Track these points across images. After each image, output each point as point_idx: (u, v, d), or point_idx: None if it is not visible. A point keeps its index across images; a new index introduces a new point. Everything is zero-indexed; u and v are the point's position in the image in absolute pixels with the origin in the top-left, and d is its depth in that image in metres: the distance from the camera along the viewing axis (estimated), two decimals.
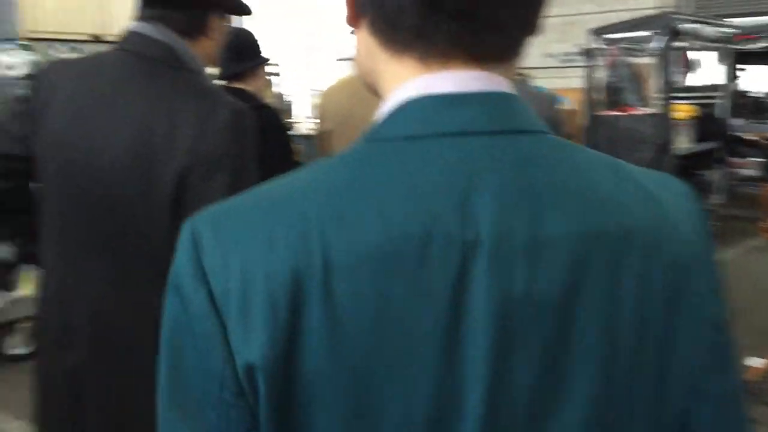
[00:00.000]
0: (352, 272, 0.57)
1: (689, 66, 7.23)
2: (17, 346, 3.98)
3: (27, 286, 4.13)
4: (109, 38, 14.35)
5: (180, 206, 1.34)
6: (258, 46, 2.98)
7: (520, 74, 4.62)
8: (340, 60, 11.16)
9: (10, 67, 12.42)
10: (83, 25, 13.97)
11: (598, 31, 6.19)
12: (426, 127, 0.61)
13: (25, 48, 12.36)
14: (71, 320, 1.44)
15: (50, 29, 13.34)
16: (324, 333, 0.57)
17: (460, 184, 0.59)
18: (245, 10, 1.65)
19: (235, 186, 1.36)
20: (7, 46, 12.44)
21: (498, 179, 0.59)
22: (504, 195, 0.59)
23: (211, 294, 0.59)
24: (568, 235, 0.59)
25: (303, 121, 8.22)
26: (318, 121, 3.12)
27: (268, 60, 3.05)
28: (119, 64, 1.43)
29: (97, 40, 14.17)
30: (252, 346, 0.57)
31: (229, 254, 0.59)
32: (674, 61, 6.90)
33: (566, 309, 0.59)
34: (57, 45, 13.13)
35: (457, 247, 0.57)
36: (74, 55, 13.17)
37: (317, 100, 2.73)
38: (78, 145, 1.38)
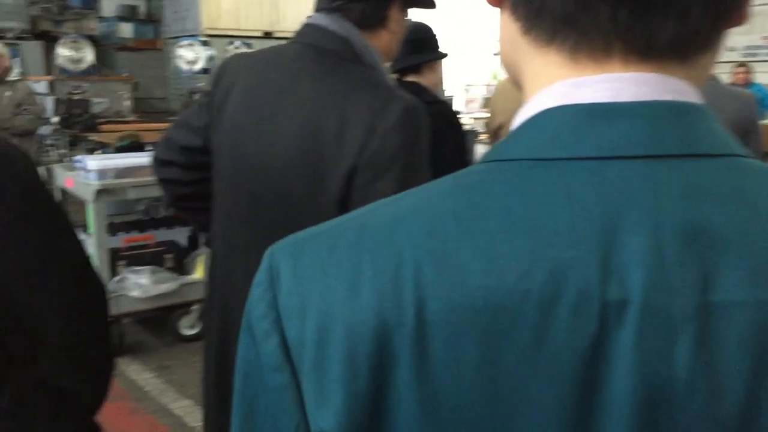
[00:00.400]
0: (452, 330, 0.45)
1: None
2: (191, 327, 4.15)
3: (200, 270, 4.34)
4: (279, 34, 15.12)
5: (347, 209, 1.27)
6: (437, 39, 2.86)
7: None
8: (498, 54, 10.96)
9: (190, 62, 13.32)
10: (256, 22, 14.73)
11: None
12: (559, 147, 0.47)
13: (204, 44, 13.22)
14: (236, 317, 1.41)
15: (226, 26, 14.18)
16: (413, 404, 0.45)
17: (602, 225, 0.44)
18: (429, 3, 1.53)
19: (406, 189, 1.27)
20: (188, 41, 13.34)
21: (655, 220, 0.44)
22: (663, 242, 0.43)
23: (285, 342, 0.49)
24: (753, 302, 0.43)
25: (462, 116, 8.08)
26: (488, 116, 2.95)
27: (446, 55, 2.93)
28: (294, 57, 1.37)
29: (268, 36, 14.91)
30: (327, 411, 0.47)
31: (309, 295, 0.49)
32: None
33: (744, 404, 0.42)
34: (234, 41, 13.93)
35: (594, 309, 0.43)
36: (247, 51, 13.88)
37: (489, 95, 2.56)
38: (251, 138, 1.35)
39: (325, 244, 0.51)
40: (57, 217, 1.04)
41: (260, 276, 0.53)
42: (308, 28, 1.39)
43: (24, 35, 11.55)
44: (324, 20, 1.37)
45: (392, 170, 1.25)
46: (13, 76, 4.76)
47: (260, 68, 1.39)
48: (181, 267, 4.18)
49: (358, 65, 1.35)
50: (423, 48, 2.82)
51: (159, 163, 1.56)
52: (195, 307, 4.15)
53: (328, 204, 1.26)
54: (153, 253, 4.05)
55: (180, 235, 4.38)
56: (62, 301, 1.02)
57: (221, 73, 1.45)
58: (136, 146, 4.48)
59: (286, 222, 1.32)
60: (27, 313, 0.97)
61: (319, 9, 1.40)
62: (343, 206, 1.26)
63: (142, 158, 4.09)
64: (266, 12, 15.05)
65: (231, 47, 13.91)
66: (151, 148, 4.64)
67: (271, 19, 15.15)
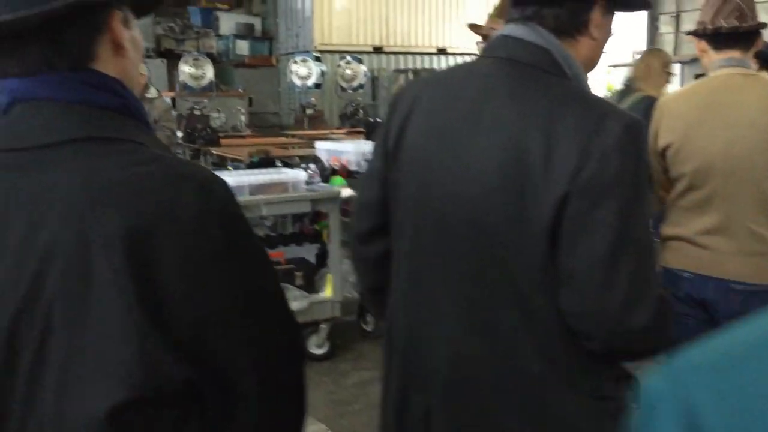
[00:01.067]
0: None
1: None
2: (320, 346, 4.09)
3: (328, 288, 4.29)
4: (389, 49, 15.18)
5: (557, 240, 1.11)
6: None
7: None
8: (613, 66, 10.54)
9: (303, 77, 13.53)
10: (366, 38, 14.87)
11: None
12: None
13: (317, 60, 13.43)
14: (426, 362, 1.28)
15: (338, 42, 14.38)
16: None
17: None
18: (639, 3, 1.36)
19: (626, 218, 1.10)
20: (302, 57, 13.60)
21: None
22: None
23: None
24: None
25: None
26: (651, 136, 2.69)
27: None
28: (488, 73, 1.24)
29: (378, 51, 15.01)
30: None
31: None
32: None
33: None
34: (345, 56, 14.10)
35: None
36: (358, 66, 14.00)
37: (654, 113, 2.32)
38: (441, 163, 1.22)
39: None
40: (256, 251, 0.93)
41: (664, 418, 0.38)
42: (501, 41, 1.26)
43: (149, 54, 12.09)
44: (518, 30, 1.23)
45: (612, 197, 1.09)
46: (150, 93, 4.88)
47: (447, 88, 1.27)
48: (310, 285, 4.14)
49: (560, 78, 1.21)
50: None
51: (361, 238, 1.44)
52: (324, 326, 4.08)
53: (534, 234, 1.12)
54: (284, 271, 4.02)
55: (309, 252, 4.35)
56: (262, 348, 0.91)
57: (395, 102, 1.34)
58: (267, 162, 4.50)
59: (482, 253, 1.18)
60: (224, 362, 0.86)
61: (510, 20, 1.26)
62: (553, 237, 1.11)
63: (274, 175, 4.08)
64: (377, 27, 15.17)
65: (342, 62, 14.10)
66: (280, 164, 4.66)
67: (381, 34, 15.28)
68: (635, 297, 1.10)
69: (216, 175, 0.92)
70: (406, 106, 1.29)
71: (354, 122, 13.07)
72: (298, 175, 4.01)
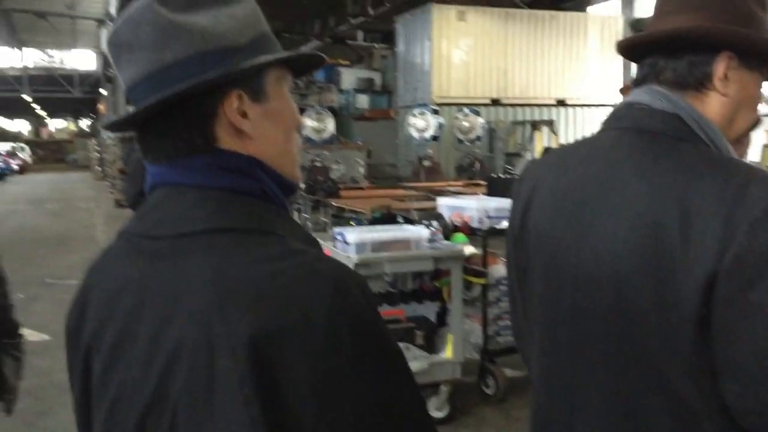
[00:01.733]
0: None
1: None
2: (440, 408, 3.97)
3: (449, 348, 4.19)
4: (507, 101, 15.13)
5: (708, 327, 0.97)
6: None
7: None
8: None
9: (421, 130, 13.69)
10: (485, 90, 14.90)
11: None
12: None
13: (434, 112, 13.56)
14: None
15: (456, 94, 14.48)
16: None
17: None
18: None
19: None
20: (420, 110, 13.77)
21: None
22: None
23: None
24: None
25: None
26: None
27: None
28: (612, 145, 1.12)
29: (495, 103, 15.00)
30: None
31: None
32: None
33: None
34: (462, 108, 14.15)
35: None
36: (476, 118, 13.99)
37: None
38: (569, 245, 1.12)
39: None
40: (393, 359, 0.83)
41: None
42: (625, 109, 1.14)
43: None
44: (643, 96, 1.11)
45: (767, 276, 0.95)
46: None
47: (570, 164, 1.17)
48: (431, 344, 4.05)
49: (694, 144, 1.08)
50: None
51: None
52: (444, 387, 3.97)
53: (681, 323, 0.98)
54: (404, 329, 3.96)
55: (429, 310, 4.27)
56: None
57: (518, 186, 1.26)
58: (388, 217, 4.49)
59: (626, 345, 1.05)
60: None
61: (635, 83, 1.16)
62: (703, 326, 0.97)
63: (398, 232, 4.06)
64: (494, 80, 15.17)
65: (460, 114, 14.17)
66: (401, 220, 4.64)
67: (499, 86, 15.26)
68: None
69: (354, 274, 0.84)
70: (527, 190, 1.21)
71: (471, 174, 13.04)
72: (421, 232, 3.96)
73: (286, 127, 0.93)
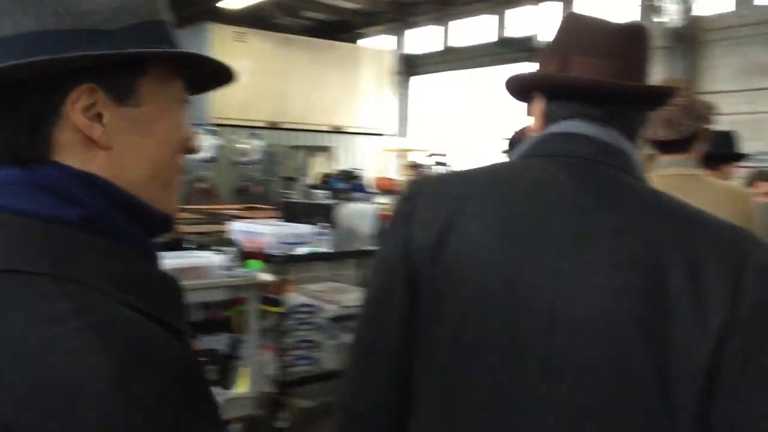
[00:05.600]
0: None
1: None
2: None
3: (243, 384, 3.93)
4: (285, 125, 15.08)
5: (713, 385, 0.88)
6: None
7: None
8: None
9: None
10: (264, 113, 14.74)
11: None
12: None
13: (212, 132, 13.10)
14: None
15: (235, 116, 14.15)
16: None
17: None
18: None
19: None
20: (196, 130, 13.20)
21: None
22: None
23: None
24: None
25: None
26: None
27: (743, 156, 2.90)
28: (578, 178, 1.00)
29: (274, 126, 14.89)
30: None
31: None
32: None
33: None
34: (239, 131, 13.86)
35: None
36: (254, 141, 13.75)
37: None
38: (526, 282, 0.95)
39: None
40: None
41: None
42: (574, 139, 1.04)
43: None
44: (588, 128, 1.04)
45: None
46: None
47: (514, 190, 1.02)
48: (225, 379, 3.76)
49: (644, 183, 1.03)
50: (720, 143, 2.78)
51: (354, 415, 1.08)
52: (237, 425, 3.70)
53: (687, 378, 0.89)
54: None
55: (220, 342, 3.98)
56: None
57: (411, 205, 1.06)
58: (175, 243, 4.13)
59: (619, 407, 0.91)
60: None
61: (577, 116, 1.05)
62: (708, 380, 0.88)
63: (190, 259, 3.75)
64: (274, 103, 15.07)
65: (238, 136, 13.85)
66: (189, 246, 4.31)
67: (278, 110, 15.18)
68: None
69: (164, 341, 0.61)
70: (441, 211, 1.02)
71: (249, 197, 12.76)
72: (214, 259, 3.69)
73: (163, 143, 0.72)
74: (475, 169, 1.11)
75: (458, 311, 0.98)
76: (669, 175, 2.10)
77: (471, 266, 0.97)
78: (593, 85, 1.03)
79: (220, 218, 7.64)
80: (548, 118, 1.07)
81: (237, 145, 13.66)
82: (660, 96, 1.07)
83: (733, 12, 12.78)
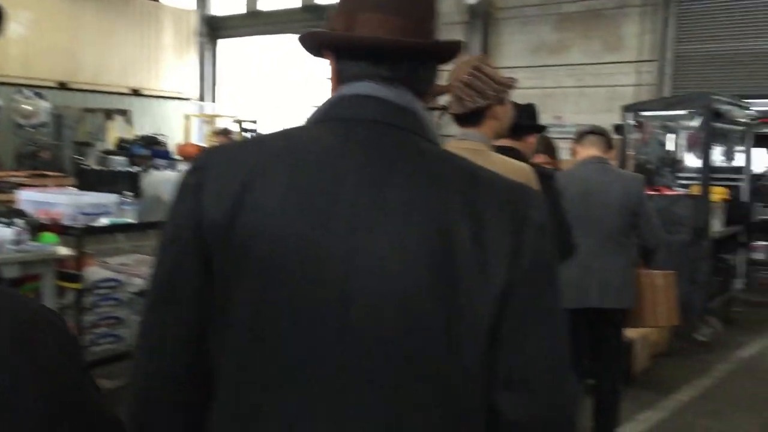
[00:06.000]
0: None
1: (696, 147, 7.19)
2: None
3: None
4: (75, 86, 13.90)
5: (496, 338, 0.93)
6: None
7: None
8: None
9: None
10: (50, 72, 13.45)
11: (631, 108, 6.07)
12: None
13: None
14: None
15: (14, 73, 12.76)
16: None
17: None
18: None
19: (559, 300, 0.99)
20: None
21: None
22: None
23: None
24: None
25: None
26: None
27: (545, 128, 3.11)
28: (370, 142, 0.99)
29: (63, 87, 13.66)
30: None
31: None
32: (693, 142, 6.87)
33: None
34: (23, 90, 12.55)
35: None
36: (39, 102, 12.53)
37: None
38: (322, 253, 0.93)
39: None
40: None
41: None
42: (365, 101, 1.02)
43: None
44: (380, 90, 1.02)
45: (552, 278, 0.97)
46: None
47: (308, 158, 0.98)
48: None
49: (437, 146, 1.04)
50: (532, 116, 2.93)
51: (162, 390, 1.01)
52: None
53: (474, 333, 0.93)
54: None
55: None
56: None
57: (199, 177, 0.99)
58: None
59: (413, 366, 0.92)
60: None
61: (356, 77, 1.03)
62: (493, 334, 0.93)
63: None
64: (61, 62, 13.78)
65: (20, 96, 12.51)
66: None
67: (67, 69, 13.92)
68: (575, 390, 1.00)
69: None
70: (233, 183, 0.97)
71: (35, 164, 11.63)
72: (3, 233, 3.32)
73: None
74: (267, 136, 1.06)
75: (253, 289, 0.94)
76: (457, 148, 2.23)
77: (265, 241, 0.94)
78: (379, 43, 1.01)
79: (3, 186, 6.92)
80: (339, 79, 1.05)
81: (20, 106, 12.37)
82: (448, 52, 1.07)
83: None
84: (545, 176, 2.62)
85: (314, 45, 1.08)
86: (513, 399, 0.95)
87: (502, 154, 2.28)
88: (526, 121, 2.86)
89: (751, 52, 11.46)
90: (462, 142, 2.23)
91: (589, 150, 3.59)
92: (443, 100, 2.02)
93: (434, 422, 0.94)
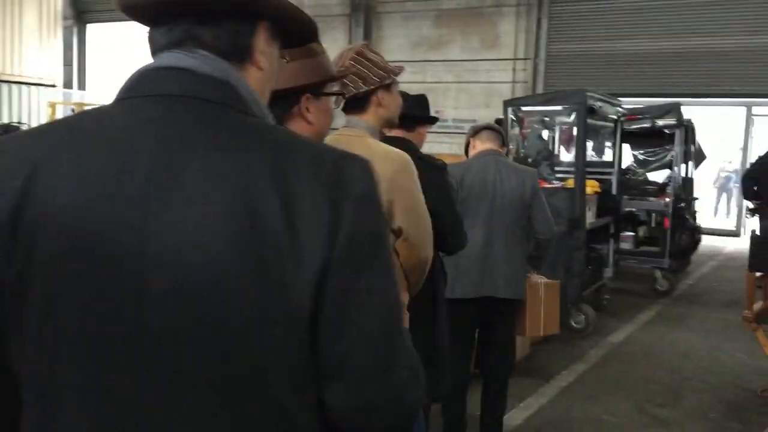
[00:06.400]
0: None
1: (571, 142, 7.51)
2: None
3: None
4: None
5: (317, 324, 0.86)
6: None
7: None
8: None
9: None
10: None
11: (512, 103, 6.23)
12: None
13: None
14: None
15: None
16: None
17: None
18: (308, 35, 1.11)
19: (389, 277, 0.91)
20: None
21: None
22: None
23: None
24: None
25: None
26: None
27: (437, 119, 3.11)
28: (162, 119, 0.90)
29: None
30: None
31: None
32: (567, 137, 7.17)
33: None
34: None
35: None
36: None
37: None
38: (116, 248, 0.85)
39: None
40: None
41: None
42: (161, 74, 0.93)
43: None
44: (183, 59, 0.93)
45: (375, 257, 0.89)
46: None
47: (98, 145, 0.89)
48: None
49: (256, 117, 0.95)
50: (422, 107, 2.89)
51: None
52: None
53: (291, 321, 0.85)
54: None
55: None
56: None
57: None
58: None
59: (227, 366, 0.84)
60: None
61: (161, 48, 0.95)
62: (313, 321, 0.85)
63: None
64: None
65: None
66: None
67: None
68: (413, 370, 0.93)
69: None
70: (14, 179, 0.86)
71: None
72: None
73: None
74: (53, 123, 0.96)
75: (44, 293, 0.85)
76: (339, 134, 2.20)
77: (52, 239, 0.85)
78: (134, 3, 0.94)
79: None
80: (151, 48, 0.97)
81: None
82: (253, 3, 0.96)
83: None
84: (435, 168, 2.60)
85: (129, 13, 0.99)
86: (339, 389, 0.88)
87: (393, 144, 2.23)
88: (417, 112, 2.83)
89: (619, 53, 12.18)
90: (344, 129, 2.19)
91: (486, 144, 3.66)
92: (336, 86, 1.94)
93: (250, 422, 0.86)
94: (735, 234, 13.07)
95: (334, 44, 1.17)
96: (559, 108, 6.04)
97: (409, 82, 10.21)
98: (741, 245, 11.51)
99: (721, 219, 15.16)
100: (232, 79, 0.93)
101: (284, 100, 1.63)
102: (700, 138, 8.70)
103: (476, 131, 3.77)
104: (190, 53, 0.93)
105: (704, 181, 13.30)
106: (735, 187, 16.32)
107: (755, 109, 12.96)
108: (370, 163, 0.94)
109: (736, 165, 15.23)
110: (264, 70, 1.00)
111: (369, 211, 0.89)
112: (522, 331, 3.87)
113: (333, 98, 1.82)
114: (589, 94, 5.80)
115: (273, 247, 0.83)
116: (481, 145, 3.67)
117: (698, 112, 10.22)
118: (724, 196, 17.11)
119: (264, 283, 0.83)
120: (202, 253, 0.82)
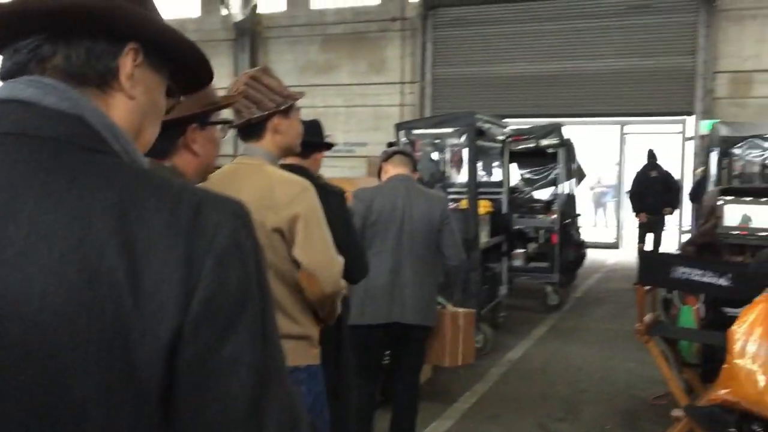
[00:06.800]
0: None
1: (461, 163, 7.65)
2: None
3: None
4: None
5: (170, 403, 0.74)
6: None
7: None
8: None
9: None
10: None
11: (403, 126, 6.25)
12: None
13: None
14: None
15: None
16: None
17: None
18: (203, 71, 0.98)
19: (264, 341, 0.77)
20: None
21: None
22: None
23: None
24: None
25: None
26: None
27: (333, 145, 3.13)
28: None
29: None
30: None
31: None
32: (457, 158, 7.29)
33: None
34: None
35: None
36: None
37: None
38: None
39: None
40: None
41: None
42: (12, 110, 0.80)
43: None
44: (23, 89, 0.80)
45: (243, 320, 0.75)
46: None
47: None
48: None
49: (109, 156, 0.81)
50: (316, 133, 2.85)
51: None
52: None
53: (136, 399, 0.72)
54: None
55: None
56: None
57: None
58: None
59: None
60: None
61: (4, 74, 0.84)
62: (164, 399, 0.72)
63: None
64: None
65: None
66: None
67: None
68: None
69: None
70: None
71: None
72: None
73: None
74: None
75: None
76: (237, 163, 2.13)
77: None
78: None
79: None
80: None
81: None
82: (100, 12, 0.82)
83: (285, 12, 13.76)
84: (333, 194, 2.52)
85: None
86: None
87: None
88: (311, 138, 2.74)
89: (501, 76, 12.61)
90: (241, 158, 2.11)
91: (399, 168, 3.66)
92: (225, 114, 1.84)
93: None
94: (615, 246, 13.72)
95: (220, 69, 1.05)
96: (449, 130, 6.13)
97: (298, 107, 10.14)
98: (621, 257, 12.11)
99: (600, 232, 15.92)
100: (83, 110, 0.80)
101: (170, 131, 1.52)
102: (579, 156, 9.11)
103: (388, 156, 3.76)
104: (32, 82, 0.80)
105: (583, 197, 13.93)
106: (609, 202, 17.29)
107: (627, 128, 13.74)
108: (242, 205, 0.80)
109: (612, 180, 16.10)
110: (137, 100, 0.87)
111: (234, 264, 0.75)
112: (442, 360, 3.85)
113: (219, 127, 1.72)
114: (478, 116, 5.91)
115: (114, 315, 0.70)
116: (393, 169, 3.66)
117: (576, 131, 10.70)
118: (601, 210, 18.13)
119: (105, 359, 0.70)
120: (24, 325, 0.70)
